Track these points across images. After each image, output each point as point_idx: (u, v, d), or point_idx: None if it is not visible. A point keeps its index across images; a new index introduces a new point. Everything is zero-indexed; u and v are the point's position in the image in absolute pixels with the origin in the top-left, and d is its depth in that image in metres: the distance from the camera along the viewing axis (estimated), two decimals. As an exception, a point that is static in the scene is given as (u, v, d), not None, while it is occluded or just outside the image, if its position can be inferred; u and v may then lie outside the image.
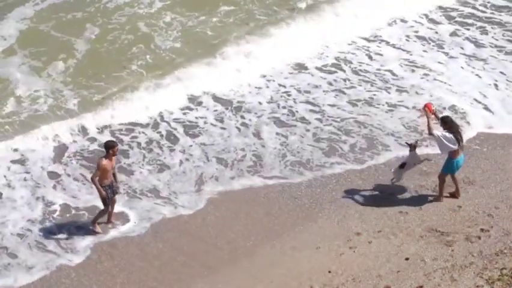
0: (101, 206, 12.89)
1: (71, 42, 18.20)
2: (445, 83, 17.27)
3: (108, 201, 12.64)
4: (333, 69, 17.89)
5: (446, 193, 13.42)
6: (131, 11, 19.43)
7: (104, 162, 12.30)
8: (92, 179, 12.39)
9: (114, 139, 14.25)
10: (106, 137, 15.07)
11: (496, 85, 17.08)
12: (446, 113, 15.46)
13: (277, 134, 15.67)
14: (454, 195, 13.41)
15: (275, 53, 18.21)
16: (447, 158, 13.14)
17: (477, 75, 17.53)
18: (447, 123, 13.05)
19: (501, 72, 17.59)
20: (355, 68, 17.90)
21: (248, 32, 18.87)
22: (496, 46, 18.66)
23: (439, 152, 13.25)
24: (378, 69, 17.84)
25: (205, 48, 18.25)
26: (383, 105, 16.54)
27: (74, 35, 18.46)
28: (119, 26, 18.81)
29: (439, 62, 18.10)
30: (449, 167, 13.17)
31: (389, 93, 16.98)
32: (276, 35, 18.88)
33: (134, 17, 19.20)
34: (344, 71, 17.83)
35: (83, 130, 15.57)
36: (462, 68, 17.88)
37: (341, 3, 20.18)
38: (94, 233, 12.88)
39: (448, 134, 12.86)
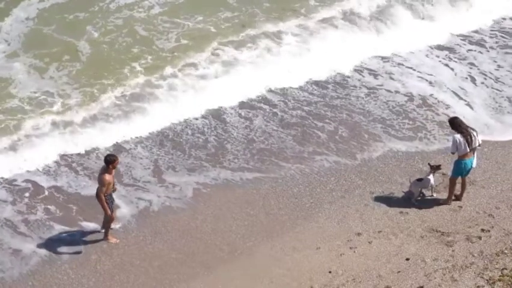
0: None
1: (73, 43, 18.20)
2: (414, 69, 16.94)
3: (110, 210, 12.66)
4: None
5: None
6: (131, 13, 19.45)
7: (107, 177, 12.31)
8: (98, 195, 12.30)
9: (114, 153, 14.11)
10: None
11: (472, 77, 16.88)
12: (438, 109, 15.40)
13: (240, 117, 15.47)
14: (457, 197, 13.34)
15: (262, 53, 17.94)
16: (455, 160, 13.00)
17: (446, 65, 17.32)
18: (454, 124, 12.87)
19: (471, 63, 17.37)
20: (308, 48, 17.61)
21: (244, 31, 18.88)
22: (459, 36, 18.44)
23: (436, 149, 13.10)
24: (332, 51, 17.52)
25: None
26: (360, 88, 15.99)
27: (76, 35, 18.46)
28: (116, 29, 18.83)
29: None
30: (458, 169, 12.98)
31: (363, 76, 16.46)
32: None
33: (132, 19, 19.18)
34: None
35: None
36: (427, 56, 17.62)
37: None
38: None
39: (456, 136, 12.68)
